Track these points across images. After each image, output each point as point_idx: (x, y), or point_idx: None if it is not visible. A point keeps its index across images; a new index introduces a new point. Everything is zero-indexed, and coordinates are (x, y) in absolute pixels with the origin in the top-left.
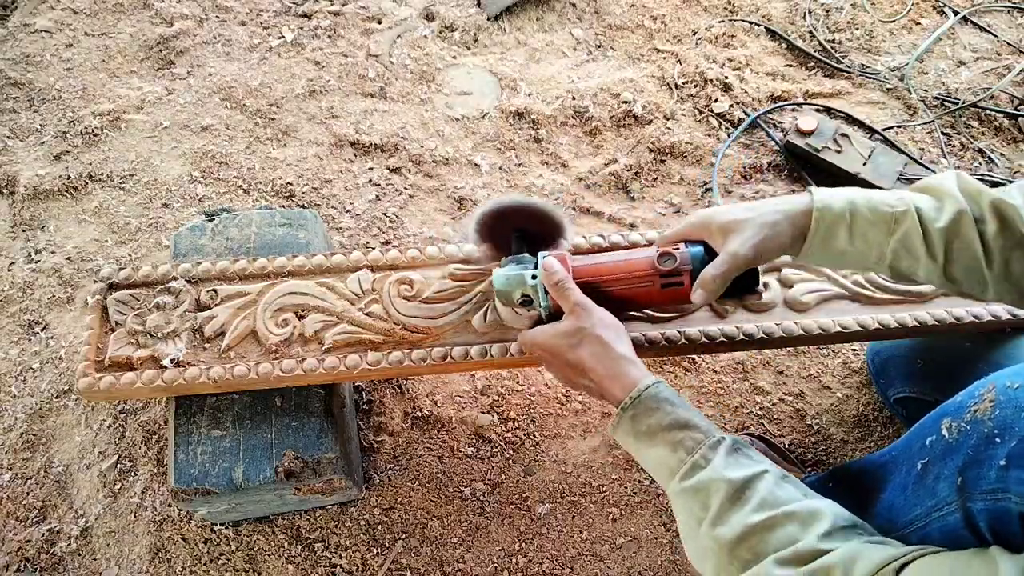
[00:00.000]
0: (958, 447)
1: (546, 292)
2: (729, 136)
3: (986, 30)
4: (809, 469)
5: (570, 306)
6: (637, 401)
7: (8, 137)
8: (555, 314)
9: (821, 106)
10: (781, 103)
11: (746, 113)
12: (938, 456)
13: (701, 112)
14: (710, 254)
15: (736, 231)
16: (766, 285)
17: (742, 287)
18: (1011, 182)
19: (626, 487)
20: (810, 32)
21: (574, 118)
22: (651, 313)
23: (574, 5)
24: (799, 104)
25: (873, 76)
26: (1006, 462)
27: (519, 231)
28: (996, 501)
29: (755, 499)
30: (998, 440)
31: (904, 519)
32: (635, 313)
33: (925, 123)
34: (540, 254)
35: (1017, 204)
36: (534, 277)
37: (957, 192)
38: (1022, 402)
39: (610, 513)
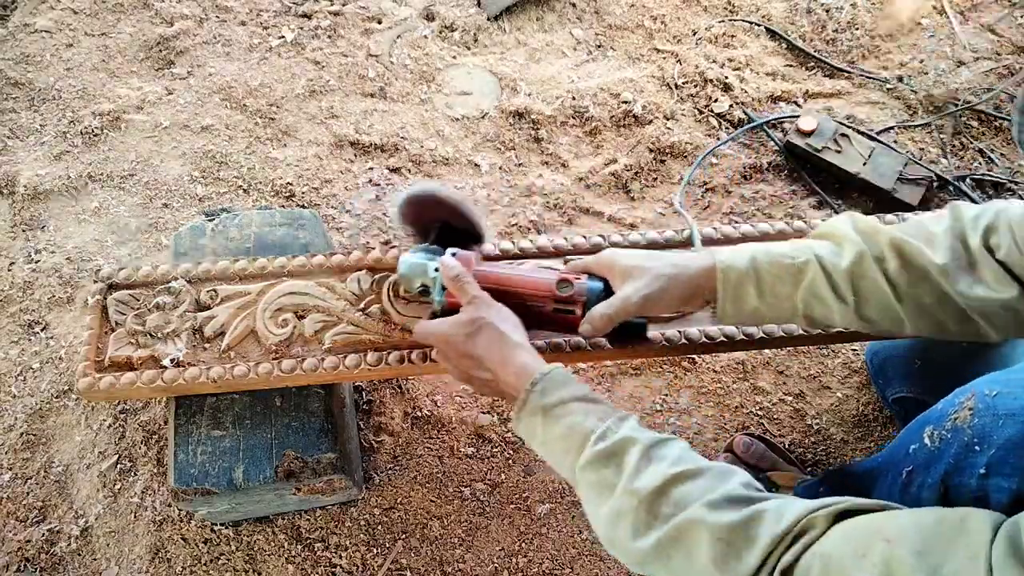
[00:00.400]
0: (940, 455)
1: (443, 288)
2: (728, 135)
3: (991, 30)
4: (809, 469)
5: (468, 298)
6: (547, 377)
7: (8, 137)
8: (449, 311)
9: (840, 119)
10: (788, 115)
11: (746, 113)
12: (921, 464)
13: (701, 112)
14: (608, 292)
15: (633, 277)
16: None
17: (630, 332)
18: (1012, 182)
19: None
20: (813, 30)
21: (574, 118)
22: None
23: (574, 5)
24: (814, 110)
25: (873, 77)
26: (986, 470)
27: (442, 223)
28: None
29: (671, 455)
30: (977, 448)
31: None
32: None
33: (923, 124)
34: (448, 250)
35: (913, 239)
36: (436, 270)
37: (853, 233)
38: (999, 410)
39: None
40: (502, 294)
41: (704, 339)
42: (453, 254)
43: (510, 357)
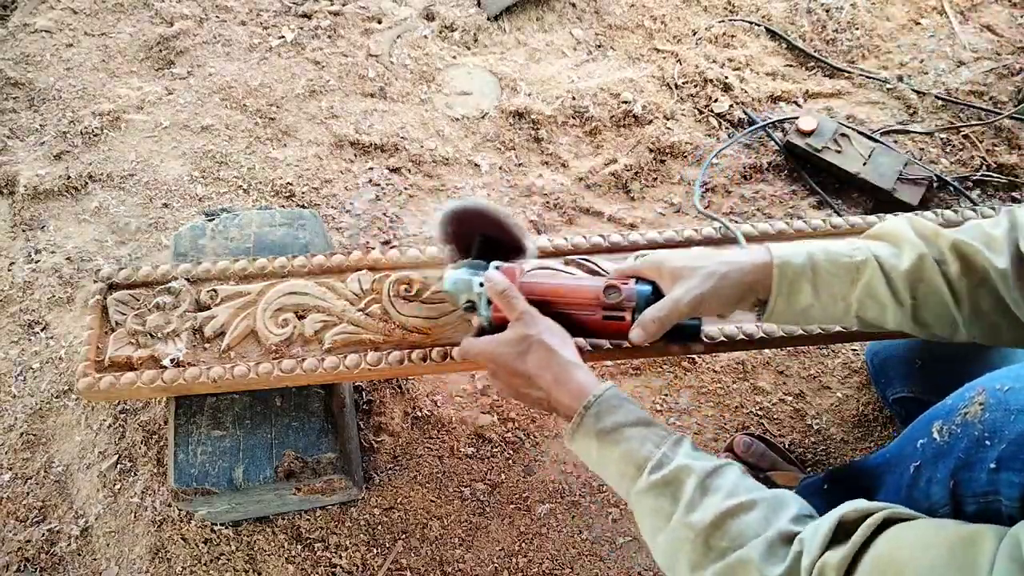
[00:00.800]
0: (949, 450)
1: (489, 303)
2: (730, 136)
3: (991, 30)
4: (809, 469)
5: (516, 314)
6: (600, 399)
7: (8, 137)
8: (497, 326)
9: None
10: (791, 116)
11: (746, 113)
12: (930, 459)
13: (701, 112)
14: (657, 295)
15: (684, 278)
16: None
17: (685, 335)
18: (1013, 184)
19: None
20: (813, 30)
21: (574, 118)
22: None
23: (574, 5)
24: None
25: (873, 77)
26: (996, 465)
27: (483, 237)
28: (988, 503)
29: (725, 487)
30: (988, 443)
31: None
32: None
33: (924, 131)
34: (492, 264)
35: (974, 242)
36: (481, 285)
37: (913, 235)
38: (1011, 405)
39: (610, 513)
40: (548, 304)
41: (704, 339)
42: (497, 267)
43: (562, 376)
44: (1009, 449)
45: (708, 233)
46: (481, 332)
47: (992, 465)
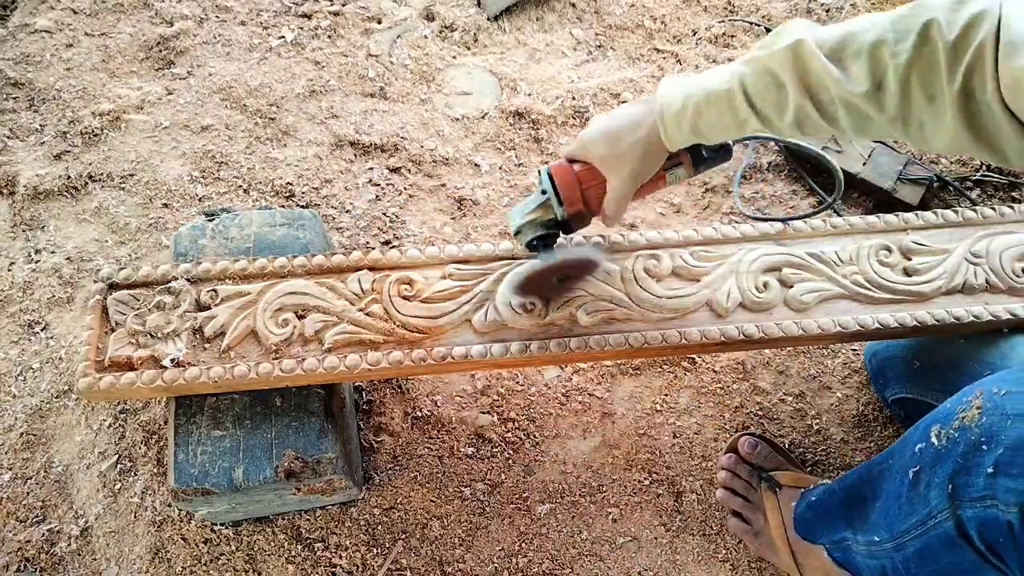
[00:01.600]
0: (947, 454)
1: (559, 201)
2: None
3: None
4: (809, 469)
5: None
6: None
7: (8, 137)
8: (573, 217)
9: None
10: None
11: None
12: (928, 463)
13: None
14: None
15: (610, 170)
16: (766, 284)
17: (718, 158)
18: (1014, 184)
19: (626, 487)
20: None
21: (574, 118)
22: (649, 310)
23: (574, 5)
24: None
25: None
26: (993, 469)
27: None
28: (985, 508)
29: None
30: (985, 447)
31: (901, 527)
32: (630, 312)
33: None
34: (541, 168)
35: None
36: (543, 192)
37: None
38: (1008, 409)
39: (610, 513)
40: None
41: (704, 339)
42: (546, 167)
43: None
44: (1006, 455)
45: (708, 234)
46: (557, 228)
47: (989, 470)
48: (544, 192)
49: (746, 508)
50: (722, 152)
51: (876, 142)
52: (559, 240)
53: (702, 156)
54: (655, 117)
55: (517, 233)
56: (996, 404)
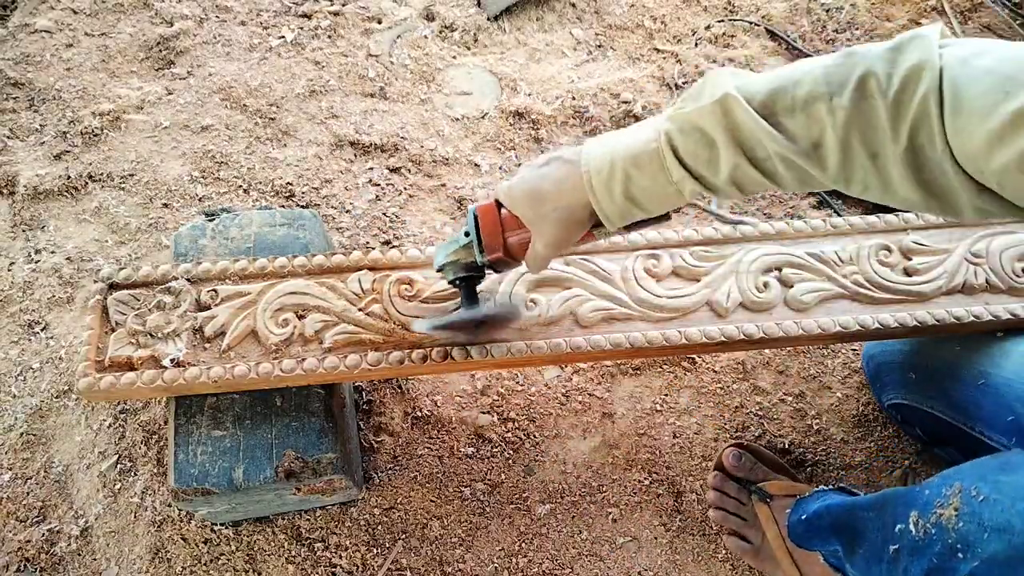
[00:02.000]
0: (924, 549)
1: (481, 249)
2: None
3: (990, 30)
4: (809, 469)
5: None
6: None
7: (8, 137)
8: (497, 263)
9: None
10: None
11: None
12: (906, 549)
13: None
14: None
15: (535, 229)
16: (766, 284)
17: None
18: None
19: (626, 487)
20: (813, 30)
21: (574, 118)
22: (649, 310)
23: (574, 5)
24: None
25: None
26: None
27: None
28: None
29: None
30: (960, 556)
31: None
32: (630, 312)
33: None
34: (470, 207)
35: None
36: (467, 235)
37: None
38: (986, 520)
39: (610, 513)
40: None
41: (704, 339)
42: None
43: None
44: (981, 568)
45: (708, 233)
46: (480, 270)
47: None
48: (467, 234)
49: (742, 526)
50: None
51: None
52: (483, 282)
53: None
54: (582, 183)
55: (440, 270)
56: (974, 511)
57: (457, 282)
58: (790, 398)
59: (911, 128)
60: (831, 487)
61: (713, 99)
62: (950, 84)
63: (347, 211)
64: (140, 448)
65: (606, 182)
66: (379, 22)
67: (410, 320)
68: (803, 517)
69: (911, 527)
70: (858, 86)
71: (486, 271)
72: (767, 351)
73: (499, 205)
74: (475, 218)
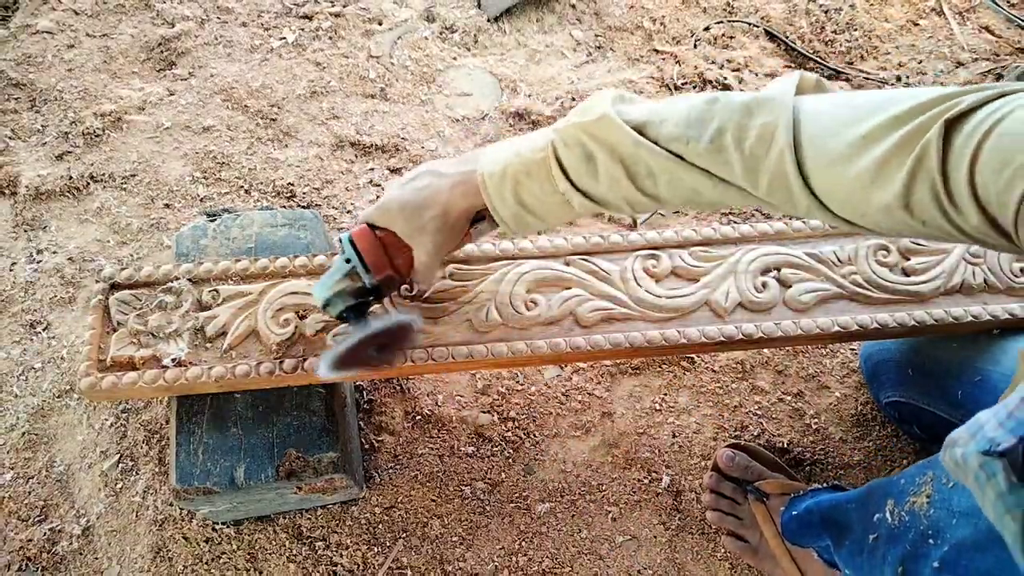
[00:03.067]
0: (900, 536)
1: (365, 268)
2: None
3: (989, 31)
4: (807, 468)
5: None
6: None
7: (10, 138)
8: (383, 282)
9: None
10: None
11: None
12: (884, 537)
13: None
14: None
15: (415, 240)
16: (764, 284)
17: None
18: None
19: (625, 486)
20: (812, 31)
21: None
22: (648, 310)
23: (574, 7)
24: None
25: (871, 77)
26: (939, 564)
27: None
28: None
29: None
30: (931, 542)
31: None
32: (629, 312)
33: None
34: (342, 236)
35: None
36: (348, 261)
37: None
38: (954, 506)
39: (609, 512)
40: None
41: (703, 339)
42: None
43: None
44: (951, 553)
45: (707, 234)
46: (367, 296)
47: (935, 564)
48: (348, 261)
49: (739, 526)
50: None
51: None
52: (372, 308)
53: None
54: (453, 190)
55: (326, 306)
56: (944, 498)
57: (345, 314)
58: (789, 397)
59: (769, 184)
60: (825, 485)
61: (595, 116)
62: (806, 138)
63: (348, 211)
64: (142, 447)
65: (498, 185)
66: (380, 23)
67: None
68: (795, 514)
69: (887, 515)
70: (713, 137)
71: (373, 296)
72: (766, 351)
73: (371, 228)
74: (352, 244)
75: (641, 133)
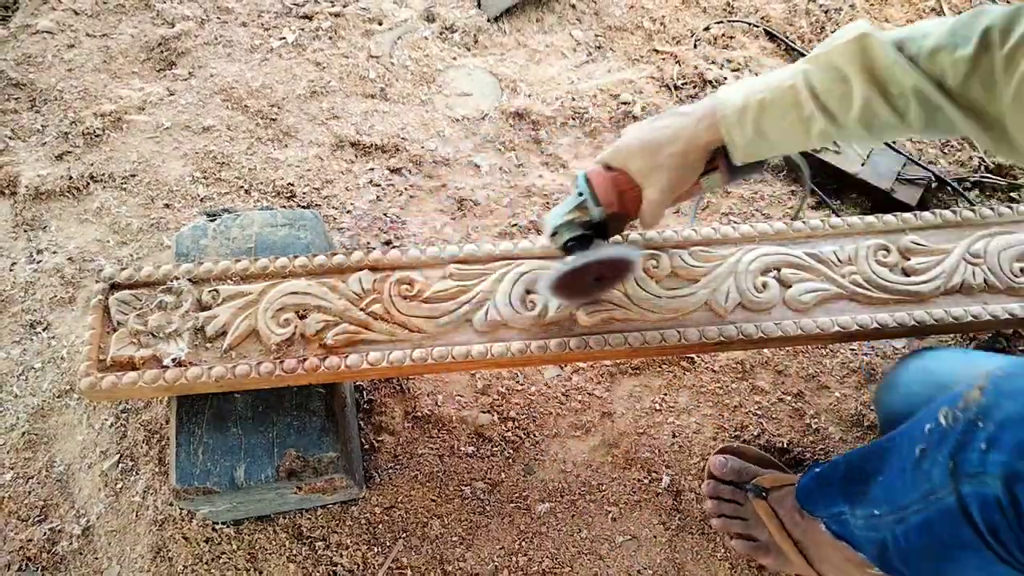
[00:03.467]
0: (949, 433)
1: (596, 202)
2: None
3: None
4: (806, 468)
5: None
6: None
7: (10, 138)
8: (610, 218)
9: None
10: None
11: None
12: (935, 443)
13: None
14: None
15: (649, 177)
16: (764, 284)
17: (752, 167)
18: (1013, 185)
19: (625, 486)
20: (812, 31)
21: (574, 119)
22: (648, 310)
23: (574, 6)
24: None
25: None
26: (986, 445)
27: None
28: (980, 484)
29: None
30: (980, 424)
31: (903, 501)
32: (629, 312)
33: None
34: (577, 172)
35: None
36: (580, 195)
37: (862, 77)
38: (1003, 388)
39: (609, 512)
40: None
41: (703, 339)
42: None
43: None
44: (998, 431)
45: (707, 234)
46: (593, 231)
47: (983, 446)
48: (581, 194)
49: (746, 527)
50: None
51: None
52: (594, 242)
53: (736, 164)
54: (697, 127)
55: (553, 234)
56: (996, 385)
57: (571, 243)
58: (789, 397)
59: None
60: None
61: (851, 38)
62: None
63: (348, 211)
64: (142, 447)
65: (739, 113)
66: (380, 23)
67: (410, 320)
68: (817, 471)
69: (940, 420)
70: (981, 39)
71: (598, 233)
72: (766, 351)
73: (606, 168)
74: (586, 179)
75: (902, 48)
